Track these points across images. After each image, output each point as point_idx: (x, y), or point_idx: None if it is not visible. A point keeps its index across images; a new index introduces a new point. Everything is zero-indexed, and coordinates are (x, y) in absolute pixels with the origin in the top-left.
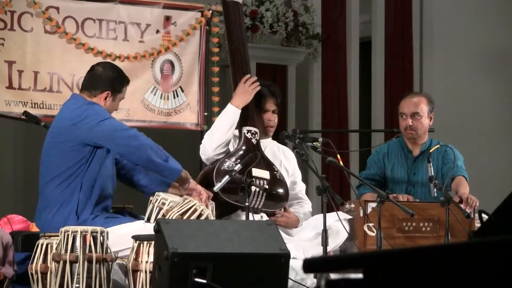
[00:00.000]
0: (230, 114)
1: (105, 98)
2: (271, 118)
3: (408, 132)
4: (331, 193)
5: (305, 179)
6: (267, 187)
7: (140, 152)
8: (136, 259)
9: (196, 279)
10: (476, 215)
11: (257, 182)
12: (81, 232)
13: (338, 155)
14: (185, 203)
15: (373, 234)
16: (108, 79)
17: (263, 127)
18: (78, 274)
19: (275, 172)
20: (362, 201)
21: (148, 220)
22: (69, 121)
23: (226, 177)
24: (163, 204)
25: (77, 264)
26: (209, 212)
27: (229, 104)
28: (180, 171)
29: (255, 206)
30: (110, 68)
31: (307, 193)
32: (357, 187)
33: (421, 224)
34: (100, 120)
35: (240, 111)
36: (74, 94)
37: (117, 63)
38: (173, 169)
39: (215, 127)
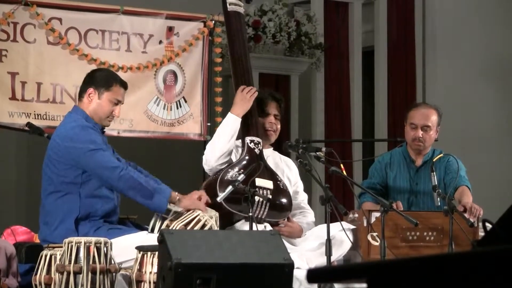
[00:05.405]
0: (231, 123)
1: (89, 95)
2: (272, 121)
3: (416, 144)
4: (334, 202)
5: (308, 189)
6: (270, 197)
7: (122, 192)
8: (140, 269)
9: None
10: (480, 224)
11: (261, 192)
12: (84, 243)
13: (342, 165)
14: (189, 214)
15: (377, 244)
16: (92, 77)
17: (264, 130)
18: (82, 285)
19: (278, 182)
20: (365, 210)
21: (152, 231)
22: (64, 140)
23: (230, 187)
24: (167, 214)
25: (81, 275)
26: (213, 222)
27: (229, 113)
28: (164, 208)
29: (259, 216)
30: (99, 70)
31: (310, 203)
32: (358, 196)
33: (425, 234)
34: (90, 149)
35: (240, 119)
36: (75, 106)
37: (120, 73)
38: (157, 207)
39: (217, 136)
